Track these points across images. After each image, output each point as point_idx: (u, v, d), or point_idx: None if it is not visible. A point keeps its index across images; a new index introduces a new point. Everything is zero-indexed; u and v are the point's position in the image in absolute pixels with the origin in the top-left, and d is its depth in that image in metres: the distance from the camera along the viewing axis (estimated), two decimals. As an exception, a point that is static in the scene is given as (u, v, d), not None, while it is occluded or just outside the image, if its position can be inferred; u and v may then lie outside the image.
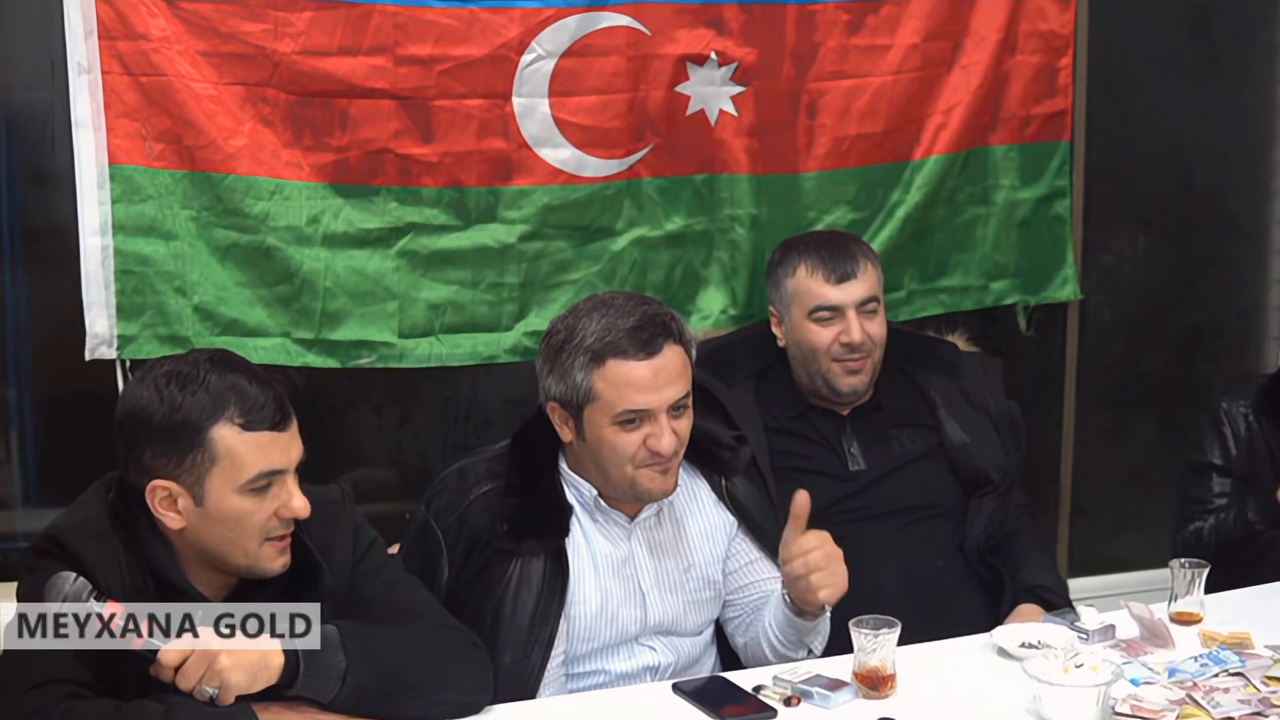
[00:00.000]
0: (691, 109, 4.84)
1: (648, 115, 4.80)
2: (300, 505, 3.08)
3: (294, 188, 4.51)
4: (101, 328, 4.40)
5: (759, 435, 4.24)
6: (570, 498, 3.63)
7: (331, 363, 4.61)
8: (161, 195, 4.40)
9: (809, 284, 4.31)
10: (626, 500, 3.65)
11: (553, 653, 3.55)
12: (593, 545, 3.64)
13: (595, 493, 3.62)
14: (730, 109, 4.87)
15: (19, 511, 4.79)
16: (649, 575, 3.69)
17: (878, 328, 4.33)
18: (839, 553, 3.53)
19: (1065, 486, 5.75)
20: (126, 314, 4.41)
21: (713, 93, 4.85)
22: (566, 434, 3.59)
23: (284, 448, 3.07)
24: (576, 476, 3.64)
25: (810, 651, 3.67)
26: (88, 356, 4.39)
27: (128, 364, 4.40)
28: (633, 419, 3.50)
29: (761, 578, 3.84)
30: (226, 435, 3.00)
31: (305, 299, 4.56)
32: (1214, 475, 4.59)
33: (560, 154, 4.72)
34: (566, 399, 3.54)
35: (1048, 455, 5.59)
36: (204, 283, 4.46)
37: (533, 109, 4.66)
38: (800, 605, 3.55)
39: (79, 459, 4.51)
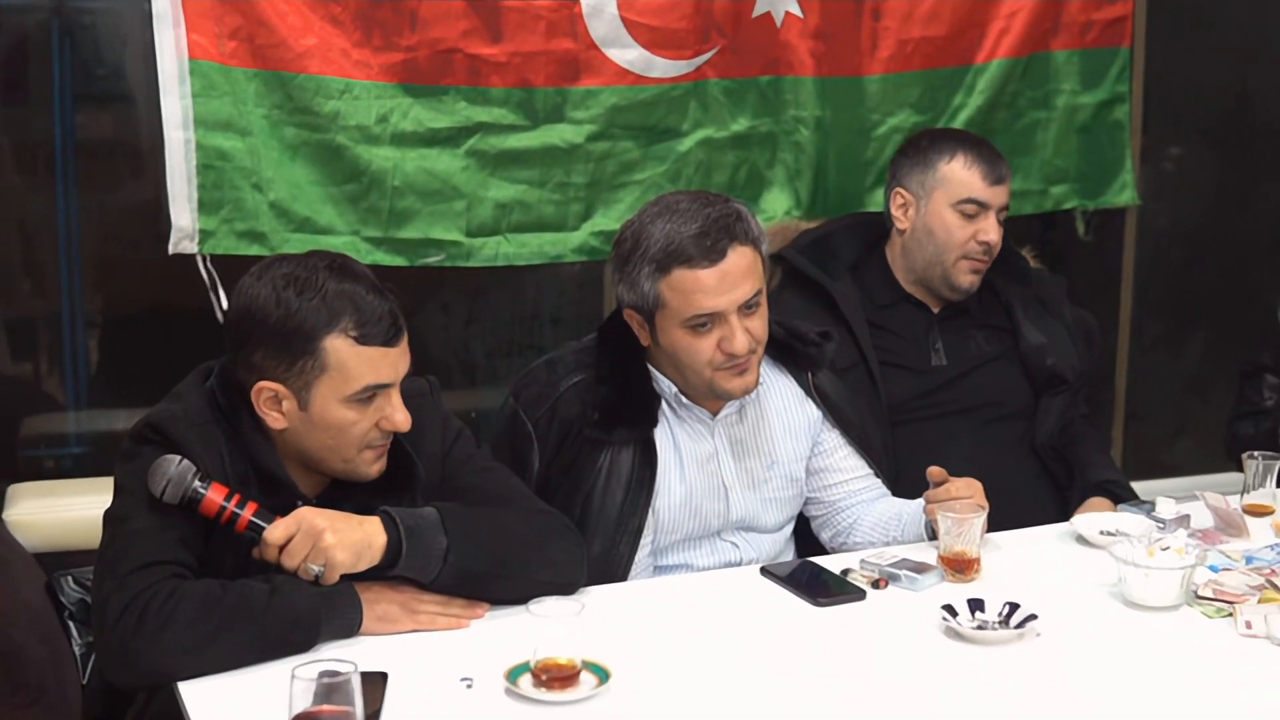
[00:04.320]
0: (758, 10, 4.84)
1: (714, 17, 4.80)
2: (402, 419, 3.10)
3: (363, 87, 4.52)
4: (185, 221, 4.38)
5: (863, 327, 4.30)
6: (658, 389, 3.65)
7: (400, 261, 4.63)
8: (236, 92, 4.41)
9: (966, 175, 4.32)
10: (708, 398, 3.66)
11: (640, 543, 3.58)
12: (677, 440, 3.66)
13: (675, 389, 3.63)
14: (796, 11, 4.88)
15: (71, 414, 4.85)
16: (731, 472, 3.71)
17: (1001, 234, 4.36)
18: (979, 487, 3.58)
19: (1120, 392, 5.77)
20: (206, 209, 4.40)
21: (779, -6, 4.87)
22: (644, 338, 3.59)
23: (393, 363, 3.08)
24: (658, 373, 3.64)
25: None
26: (171, 249, 4.37)
27: (207, 259, 4.42)
28: (704, 322, 3.47)
29: (849, 474, 3.87)
30: (339, 347, 3.01)
31: (374, 197, 4.57)
32: (1266, 375, 4.63)
33: (628, 54, 4.73)
34: (638, 306, 3.54)
35: (1104, 361, 5.60)
36: (278, 180, 4.47)
37: (601, 9, 4.68)
38: None
39: (132, 362, 4.61)
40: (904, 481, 3.90)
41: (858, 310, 4.33)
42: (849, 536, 3.85)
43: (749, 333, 3.50)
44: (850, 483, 3.87)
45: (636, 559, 3.58)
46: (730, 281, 3.46)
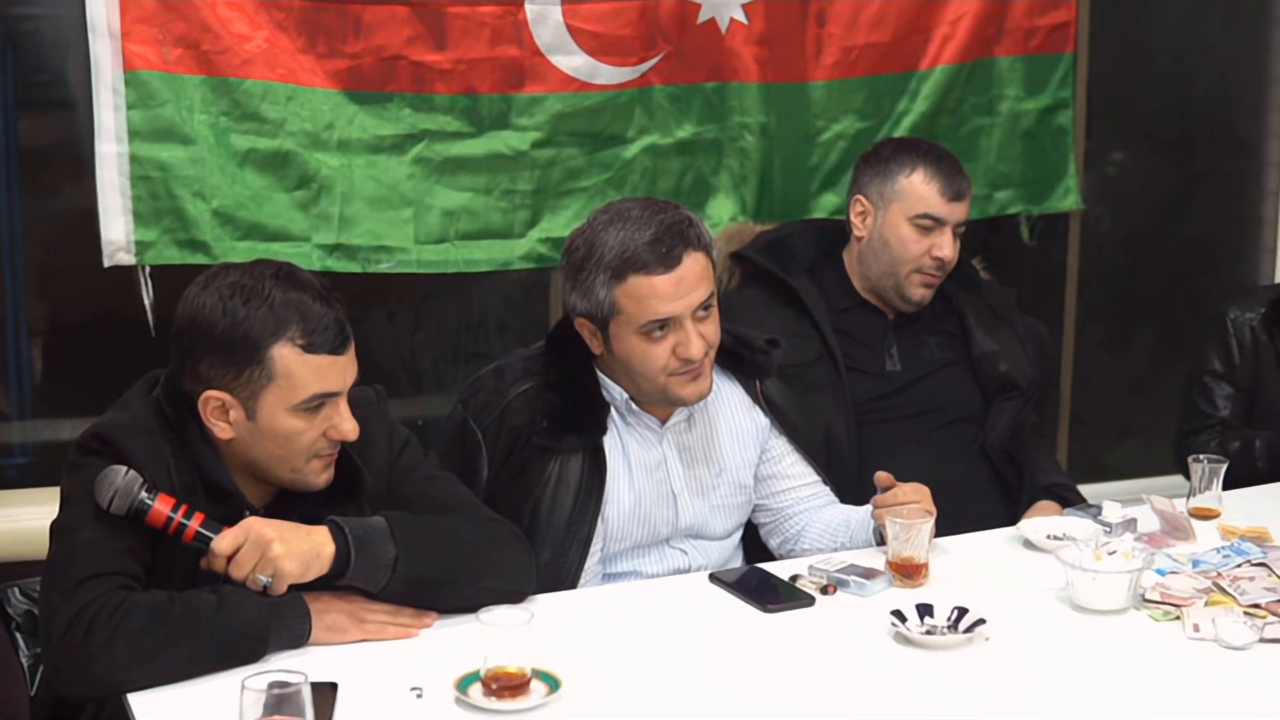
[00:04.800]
0: (703, 17, 4.86)
1: (659, 23, 4.82)
2: (350, 428, 3.09)
3: (309, 93, 4.52)
4: (117, 234, 4.38)
5: (827, 321, 4.32)
6: (606, 397, 3.64)
7: (353, 267, 4.62)
8: (179, 99, 4.40)
9: (924, 190, 4.32)
10: (660, 405, 3.66)
11: (590, 550, 3.58)
12: (626, 447, 3.66)
13: (626, 396, 3.63)
14: (741, 17, 4.89)
15: (15, 425, 4.82)
16: (680, 479, 3.71)
17: (957, 251, 4.36)
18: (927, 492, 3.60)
19: (1065, 395, 5.81)
20: (144, 220, 4.40)
21: (724, 1, 4.87)
22: (597, 346, 3.58)
23: (341, 371, 3.07)
24: (608, 380, 3.64)
25: None
26: (105, 263, 4.38)
27: (147, 269, 4.42)
28: (660, 328, 3.48)
29: (796, 480, 3.88)
30: (286, 355, 2.99)
31: (324, 203, 4.58)
32: (1218, 384, 4.64)
33: (573, 61, 4.74)
34: (592, 314, 3.53)
35: (1048, 364, 5.63)
36: (224, 187, 4.47)
37: (546, 15, 4.68)
38: None
39: (75, 372, 4.59)
40: (865, 480, 3.91)
41: (820, 304, 4.35)
42: (797, 543, 3.86)
43: (703, 337, 3.51)
44: (798, 489, 3.88)
45: (586, 567, 3.58)
46: (685, 287, 3.47)
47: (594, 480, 3.57)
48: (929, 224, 4.31)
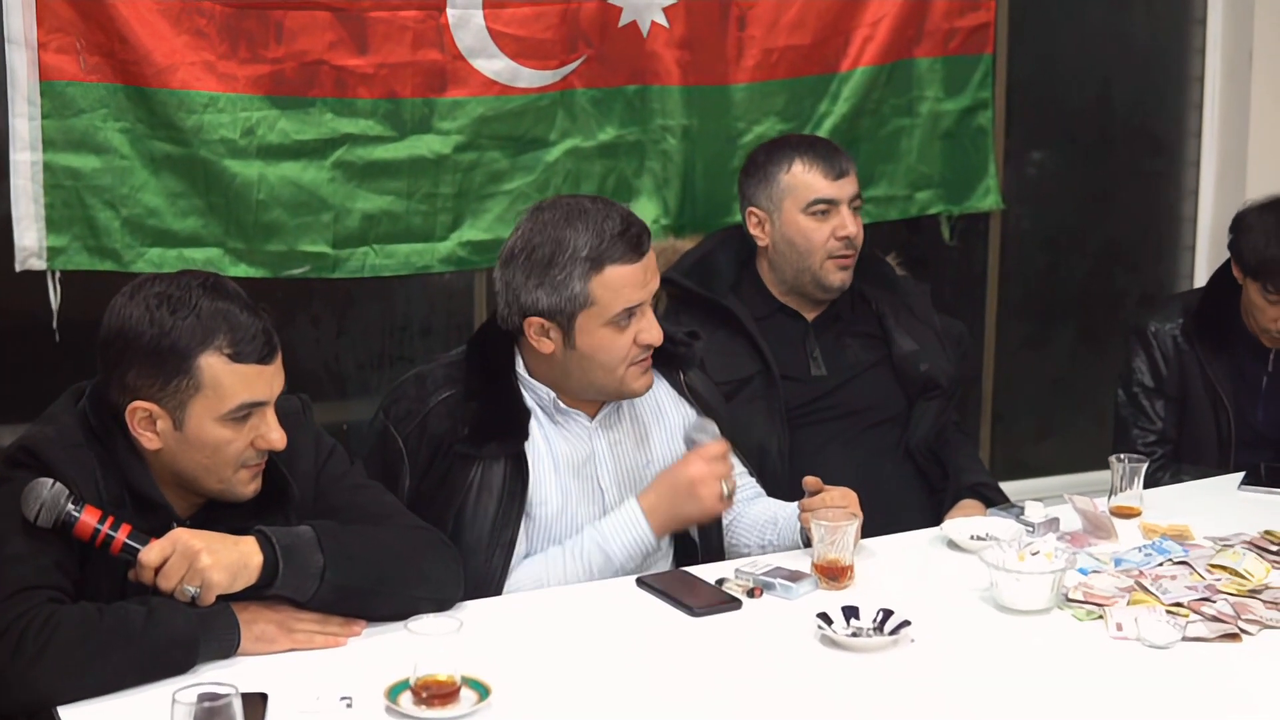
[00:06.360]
0: (624, 20, 4.87)
1: (580, 27, 4.82)
2: (278, 438, 3.10)
3: (228, 100, 4.49)
4: (30, 240, 4.38)
5: (759, 336, 4.35)
6: (528, 401, 3.66)
7: (264, 272, 4.61)
8: (95, 109, 4.38)
9: (806, 179, 4.37)
10: (591, 401, 3.69)
11: (514, 554, 3.58)
12: (553, 447, 3.67)
13: (553, 395, 3.65)
14: (662, 20, 4.90)
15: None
16: (609, 474, 3.73)
17: (860, 225, 4.42)
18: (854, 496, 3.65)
19: (987, 394, 5.86)
20: (56, 227, 4.39)
21: (645, 4, 4.88)
22: (547, 346, 3.59)
23: (268, 380, 3.08)
24: (533, 380, 3.66)
25: None
26: (18, 268, 4.38)
27: (57, 274, 4.42)
28: (627, 316, 3.54)
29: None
30: (213, 364, 3.01)
31: (238, 210, 4.55)
32: (1151, 399, 4.70)
33: (494, 65, 4.74)
34: (557, 309, 3.54)
35: (970, 363, 5.67)
36: (137, 195, 4.45)
37: (467, 20, 4.68)
38: None
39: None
40: (794, 483, 3.94)
41: (750, 319, 4.37)
42: (726, 537, 3.88)
43: (656, 324, 3.60)
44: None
45: (511, 570, 3.58)
46: (650, 274, 3.59)
47: (516, 485, 3.57)
48: (823, 208, 4.37)
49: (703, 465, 3.59)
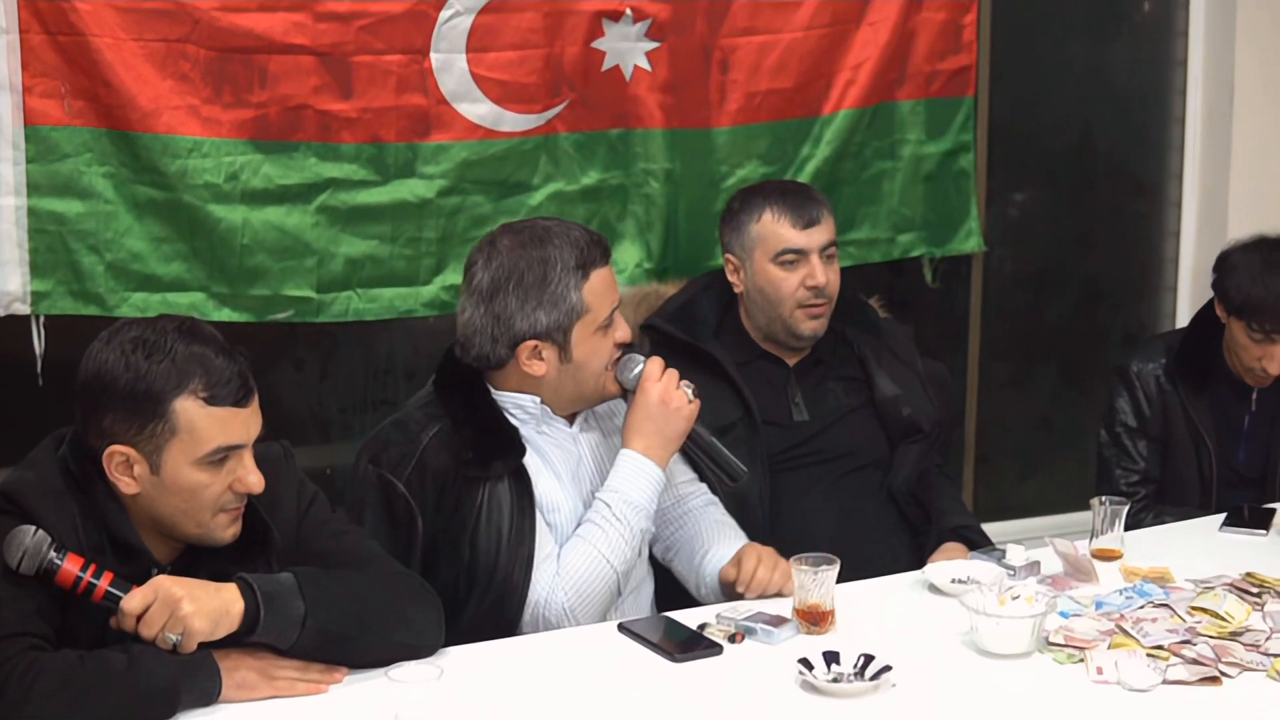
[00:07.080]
0: (607, 64, 4.89)
1: (563, 71, 4.84)
2: (255, 481, 3.10)
3: (212, 144, 4.50)
4: (14, 285, 4.39)
5: (742, 382, 4.35)
6: (514, 420, 3.69)
7: (248, 317, 4.62)
8: (79, 153, 4.40)
9: (775, 228, 4.36)
10: (586, 405, 3.79)
11: (535, 566, 3.60)
12: (547, 455, 3.71)
13: (539, 400, 3.69)
14: (645, 64, 4.92)
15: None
16: (595, 475, 3.78)
17: (835, 274, 4.41)
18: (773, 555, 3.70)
19: (970, 435, 5.86)
20: (40, 271, 4.41)
21: (627, 48, 4.90)
22: (539, 368, 3.63)
23: (244, 423, 3.08)
24: (515, 394, 3.70)
25: None
26: (1, 313, 4.39)
27: (41, 319, 4.44)
28: (611, 319, 3.66)
29: (676, 477, 3.95)
30: (189, 408, 3.01)
31: (222, 254, 4.56)
32: (1134, 439, 4.72)
33: (478, 109, 4.76)
34: (556, 325, 3.61)
35: (953, 404, 5.67)
36: (120, 240, 4.47)
37: (451, 64, 4.70)
38: None
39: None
40: (777, 529, 4.03)
41: (733, 365, 4.38)
42: (671, 541, 3.97)
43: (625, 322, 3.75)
44: (678, 487, 3.96)
45: (536, 582, 3.60)
46: (615, 277, 3.74)
47: (524, 499, 3.61)
48: (791, 258, 4.35)
49: (658, 384, 3.68)
